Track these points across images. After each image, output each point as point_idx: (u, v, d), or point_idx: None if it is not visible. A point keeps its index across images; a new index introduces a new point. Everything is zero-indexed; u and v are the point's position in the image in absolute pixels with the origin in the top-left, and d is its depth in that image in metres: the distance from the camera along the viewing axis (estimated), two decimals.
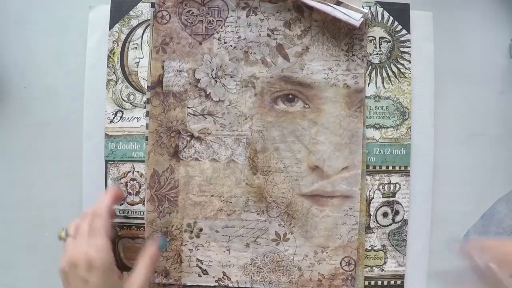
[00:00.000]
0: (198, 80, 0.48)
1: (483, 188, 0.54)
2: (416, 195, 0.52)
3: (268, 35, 0.49)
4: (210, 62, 0.49)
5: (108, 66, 0.51)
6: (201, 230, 0.49)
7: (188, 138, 0.49)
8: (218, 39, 0.49)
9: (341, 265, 0.50)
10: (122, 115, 0.51)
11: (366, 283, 0.52)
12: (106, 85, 0.51)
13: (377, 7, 0.52)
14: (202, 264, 0.49)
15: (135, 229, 0.50)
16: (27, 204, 0.52)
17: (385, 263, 0.52)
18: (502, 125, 0.54)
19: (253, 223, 0.49)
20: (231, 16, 0.49)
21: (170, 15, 0.49)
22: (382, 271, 0.52)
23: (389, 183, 0.52)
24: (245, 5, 0.49)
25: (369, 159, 0.51)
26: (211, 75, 0.49)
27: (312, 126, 0.49)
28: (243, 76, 0.49)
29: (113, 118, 0.51)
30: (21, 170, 0.52)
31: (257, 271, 0.50)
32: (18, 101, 0.52)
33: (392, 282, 0.52)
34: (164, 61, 0.49)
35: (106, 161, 0.51)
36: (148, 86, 0.49)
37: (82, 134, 0.51)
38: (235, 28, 0.49)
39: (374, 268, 0.52)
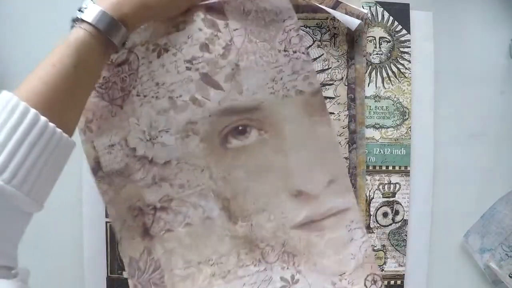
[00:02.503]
0: (134, 149, 0.42)
1: (483, 188, 0.54)
2: (416, 195, 0.52)
3: (188, 68, 0.41)
4: (138, 124, 0.41)
5: None
6: None
7: (152, 212, 0.42)
8: (137, 95, 0.41)
9: (366, 286, 0.44)
10: None
11: None
12: None
13: (377, 7, 0.52)
14: None
15: None
16: None
17: (385, 263, 0.52)
18: (502, 125, 0.54)
19: (253, 277, 0.42)
20: (142, 64, 0.41)
21: None
22: (382, 271, 0.52)
23: (389, 183, 0.52)
24: (154, 47, 0.41)
25: (369, 159, 0.51)
26: (145, 138, 0.42)
27: (277, 151, 0.42)
28: (179, 127, 0.41)
29: None
30: None
31: None
32: None
33: (392, 282, 0.52)
34: (93, 141, 0.42)
35: None
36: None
37: None
38: (150, 75, 0.41)
39: None
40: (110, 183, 0.42)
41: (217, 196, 0.42)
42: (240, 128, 0.42)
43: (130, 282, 0.42)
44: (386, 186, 0.52)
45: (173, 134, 0.41)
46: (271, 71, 0.41)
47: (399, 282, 0.52)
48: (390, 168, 0.52)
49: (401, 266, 0.52)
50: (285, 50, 0.41)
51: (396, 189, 0.52)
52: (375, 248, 0.52)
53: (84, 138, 0.42)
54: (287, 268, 0.42)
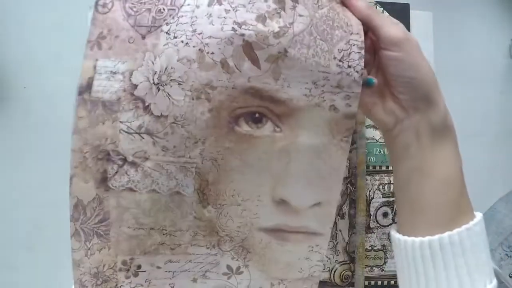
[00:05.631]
0: (135, 86, 0.36)
1: (483, 188, 0.54)
2: None
3: (234, 30, 0.36)
4: (153, 63, 0.37)
5: None
6: (139, 267, 0.39)
7: (120, 163, 0.37)
8: (167, 33, 0.36)
9: None
10: None
11: (366, 283, 0.52)
12: None
13: (377, 7, 0.52)
14: None
15: None
16: (27, 204, 0.52)
17: (385, 263, 0.52)
18: (502, 125, 0.54)
19: (201, 257, 0.40)
20: (188, 4, 0.37)
21: (113, 2, 0.38)
22: (382, 271, 0.52)
23: (389, 183, 0.52)
24: None
25: (369, 159, 0.51)
26: (153, 80, 0.36)
27: (284, 156, 0.38)
28: (195, 84, 0.36)
29: None
30: (21, 170, 0.52)
31: None
32: (18, 101, 0.52)
33: (392, 282, 0.52)
34: (97, 60, 0.37)
35: None
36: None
37: None
38: (191, 19, 0.36)
39: (374, 268, 0.52)
40: (90, 111, 0.37)
41: (198, 175, 0.38)
42: (257, 115, 0.37)
43: (71, 225, 0.39)
44: (386, 186, 0.52)
45: (185, 90, 0.36)
46: (317, 73, 0.37)
47: None
48: (390, 168, 0.52)
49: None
50: (340, 61, 0.37)
51: None
52: (375, 248, 0.52)
53: (90, 53, 0.37)
54: (237, 260, 0.41)
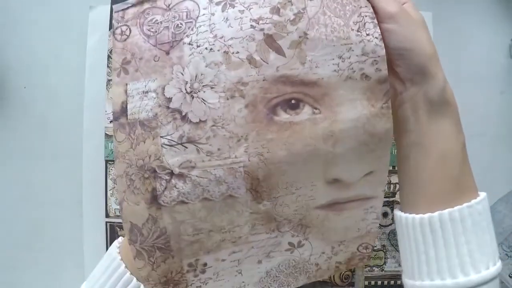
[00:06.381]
0: (170, 100, 0.37)
1: (483, 188, 0.54)
2: None
3: (252, 27, 0.37)
4: (182, 74, 0.37)
5: (108, 66, 0.51)
6: (205, 265, 0.40)
7: (167, 177, 0.37)
8: (190, 44, 0.37)
9: (358, 250, 0.44)
10: None
11: (366, 283, 0.52)
12: (106, 85, 0.51)
13: None
14: None
15: None
16: (27, 204, 0.52)
17: (385, 263, 0.52)
18: (502, 125, 0.54)
19: (263, 241, 0.41)
20: (203, 14, 0.38)
21: (130, 28, 0.39)
22: (382, 271, 0.52)
23: (389, 183, 0.52)
24: (219, 0, 0.38)
25: None
26: (185, 89, 0.37)
27: (329, 136, 0.37)
28: (227, 84, 0.36)
29: None
30: (21, 170, 0.52)
31: (274, 280, 0.43)
32: (18, 101, 0.52)
33: (392, 282, 0.52)
34: (127, 84, 0.38)
35: (106, 161, 0.51)
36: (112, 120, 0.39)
37: (82, 134, 0.51)
38: (209, 26, 0.37)
39: (374, 268, 0.52)
40: (129, 133, 0.37)
41: (247, 174, 0.37)
42: (292, 101, 0.37)
43: (132, 248, 0.38)
44: (386, 186, 0.52)
45: (218, 92, 0.36)
46: (340, 47, 0.37)
47: (399, 282, 0.52)
48: (390, 168, 0.52)
49: (401, 266, 0.52)
50: (358, 31, 0.37)
51: (396, 189, 0.52)
52: (375, 248, 0.52)
53: (118, 80, 0.38)
54: (297, 236, 0.42)
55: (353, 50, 0.37)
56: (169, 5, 0.39)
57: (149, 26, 0.38)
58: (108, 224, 0.51)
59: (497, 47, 0.54)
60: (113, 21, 0.39)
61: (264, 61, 0.37)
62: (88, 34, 0.51)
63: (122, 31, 0.39)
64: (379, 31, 0.37)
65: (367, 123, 0.37)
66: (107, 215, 0.51)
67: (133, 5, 0.39)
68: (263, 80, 0.37)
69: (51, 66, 0.52)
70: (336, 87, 0.37)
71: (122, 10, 0.40)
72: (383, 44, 0.37)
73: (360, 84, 0.37)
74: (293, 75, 0.37)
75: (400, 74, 0.35)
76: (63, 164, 0.52)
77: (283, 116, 0.37)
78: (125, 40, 0.39)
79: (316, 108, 0.37)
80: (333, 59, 0.37)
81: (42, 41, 0.52)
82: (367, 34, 0.37)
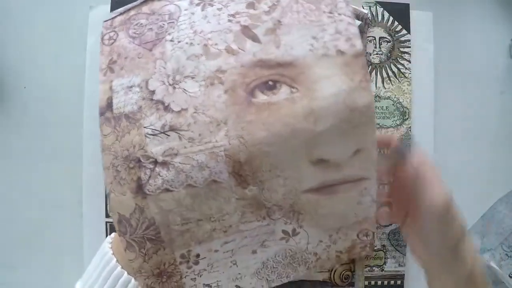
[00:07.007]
0: (153, 92, 0.39)
1: (483, 188, 0.54)
2: None
3: (230, 21, 0.40)
4: (165, 68, 0.39)
5: None
6: (198, 256, 0.41)
7: (151, 166, 0.38)
8: (171, 40, 0.40)
9: (358, 237, 0.43)
10: None
11: (366, 283, 0.52)
12: None
13: (377, 7, 0.52)
14: (211, 287, 0.42)
15: None
16: (27, 204, 0.52)
17: (385, 263, 0.52)
18: (502, 125, 0.54)
19: (255, 230, 0.41)
20: (184, 14, 0.41)
21: (117, 33, 0.42)
22: (382, 271, 0.52)
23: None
24: (199, 1, 0.41)
25: None
26: (168, 82, 0.39)
27: (309, 114, 0.37)
28: (206, 73, 0.38)
29: None
30: (21, 170, 0.52)
31: (272, 271, 0.43)
32: (18, 101, 0.52)
33: (392, 282, 0.52)
34: (112, 81, 0.40)
35: None
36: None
37: (82, 134, 0.51)
38: (190, 24, 0.40)
39: (374, 268, 0.52)
40: (115, 126, 0.39)
41: (229, 157, 0.37)
42: (270, 83, 0.38)
43: (122, 239, 0.38)
44: (386, 187, 0.52)
45: (198, 81, 0.38)
46: (313, 29, 0.39)
47: (399, 282, 0.52)
48: None
49: (401, 266, 0.52)
50: (330, 12, 0.39)
51: None
52: (375, 248, 0.52)
53: (104, 78, 0.40)
54: (290, 223, 0.42)
55: (326, 30, 0.39)
56: (153, 10, 0.42)
57: (134, 29, 0.41)
58: (108, 224, 0.51)
59: (497, 47, 0.54)
60: (102, 29, 0.42)
61: (241, 49, 0.39)
62: (88, 34, 0.51)
63: (110, 36, 0.42)
64: (351, 8, 0.39)
65: (347, 98, 0.37)
66: (107, 215, 0.51)
67: (121, 14, 0.42)
68: (241, 67, 0.38)
69: (51, 66, 0.52)
70: (312, 65, 0.38)
71: (111, 19, 0.42)
72: (355, 22, 0.39)
73: (337, 60, 0.38)
74: (270, 59, 0.38)
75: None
76: (63, 164, 0.52)
77: (261, 97, 0.38)
78: (112, 44, 0.41)
79: (293, 87, 0.38)
80: (307, 39, 0.38)
81: (42, 41, 0.52)
82: (339, 14, 0.39)
